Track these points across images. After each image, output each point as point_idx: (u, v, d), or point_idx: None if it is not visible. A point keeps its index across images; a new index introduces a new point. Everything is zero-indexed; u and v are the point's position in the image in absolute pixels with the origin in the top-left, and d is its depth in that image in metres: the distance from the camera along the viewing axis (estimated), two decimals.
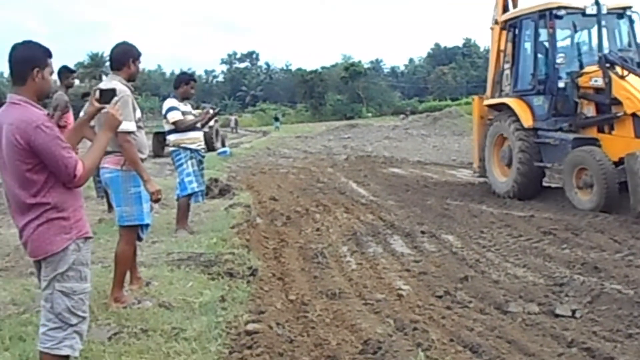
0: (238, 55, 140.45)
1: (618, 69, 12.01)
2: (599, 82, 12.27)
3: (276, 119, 71.15)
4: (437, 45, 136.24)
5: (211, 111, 10.54)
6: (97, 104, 4.49)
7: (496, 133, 14.74)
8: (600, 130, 12.60)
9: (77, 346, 4.13)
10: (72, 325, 4.06)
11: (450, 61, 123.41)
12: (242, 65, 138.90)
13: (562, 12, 13.10)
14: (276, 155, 30.18)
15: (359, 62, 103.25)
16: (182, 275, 7.18)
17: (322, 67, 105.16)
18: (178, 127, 9.63)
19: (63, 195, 4.02)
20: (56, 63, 4.37)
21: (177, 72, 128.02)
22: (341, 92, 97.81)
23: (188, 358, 5.03)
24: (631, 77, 11.87)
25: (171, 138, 9.79)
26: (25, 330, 5.49)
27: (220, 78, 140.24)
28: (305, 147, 35.19)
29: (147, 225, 6.63)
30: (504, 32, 15.08)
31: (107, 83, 6.15)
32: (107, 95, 4.59)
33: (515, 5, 15.43)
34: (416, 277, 8.00)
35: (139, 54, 6.41)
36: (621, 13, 13.56)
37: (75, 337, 4.09)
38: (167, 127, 9.82)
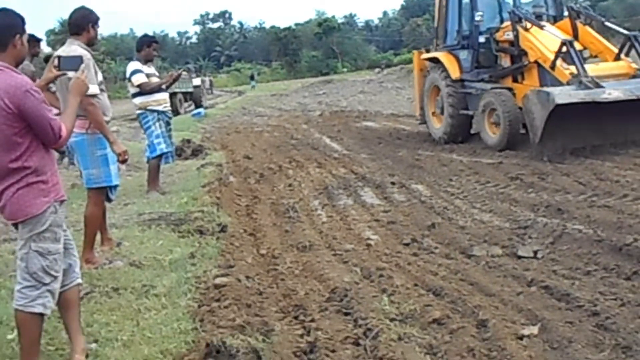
0: (211, 16, 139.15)
1: (525, 23, 13.14)
2: (510, 35, 13.59)
3: (251, 78, 70.83)
4: None
5: (175, 73, 10.56)
6: (55, 71, 4.56)
7: (431, 84, 15.92)
8: (515, 80, 13.81)
9: (50, 304, 4.21)
10: (45, 284, 4.15)
11: (424, 12, 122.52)
12: (215, 25, 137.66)
13: None
14: (251, 114, 30.17)
15: (333, 17, 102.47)
16: (153, 235, 7.29)
17: (296, 24, 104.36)
18: (143, 90, 9.64)
19: (42, 159, 4.09)
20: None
21: (150, 34, 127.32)
22: (316, 48, 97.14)
23: (158, 313, 5.14)
24: (534, 30, 13.00)
25: (137, 101, 9.80)
26: None
27: (194, 39, 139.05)
28: (280, 105, 35.18)
29: (115, 187, 6.71)
30: None
31: (66, 48, 6.17)
32: (69, 63, 4.65)
33: None
34: (385, 227, 8.16)
35: (97, 18, 6.42)
36: None
37: (48, 295, 4.18)
38: (132, 90, 9.82)
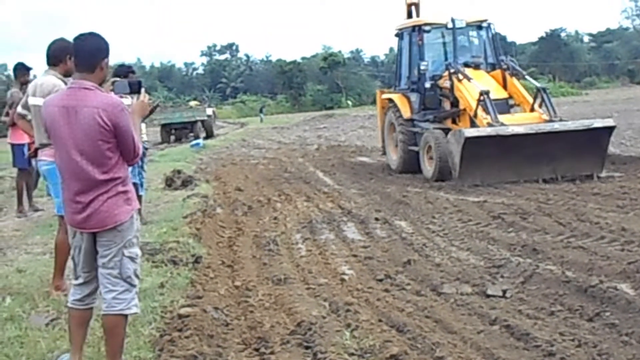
0: (218, 47, 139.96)
1: (458, 74, 14.97)
2: (448, 84, 15.42)
3: (260, 111, 71.39)
4: None
5: (154, 103, 10.67)
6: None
7: (389, 121, 17.68)
8: (454, 122, 15.64)
9: (139, 305, 4.62)
10: (135, 287, 4.49)
11: None
12: (222, 57, 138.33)
13: (428, 28, 16.38)
14: (250, 147, 30.34)
15: (339, 52, 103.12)
16: None
17: (302, 58, 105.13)
18: None
19: (126, 170, 4.47)
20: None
21: (156, 65, 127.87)
22: (321, 82, 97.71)
23: None
24: (465, 82, 14.81)
25: None
26: None
27: (200, 70, 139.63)
28: (280, 138, 35.33)
29: None
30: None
31: (42, 78, 6.31)
32: (125, 87, 5.02)
33: (417, 14, 18.16)
34: (361, 262, 8.22)
35: (72, 52, 6.53)
36: (479, 25, 16.66)
37: (136, 297, 4.52)
38: None
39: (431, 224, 10.22)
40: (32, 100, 6.32)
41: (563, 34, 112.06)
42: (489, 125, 13.52)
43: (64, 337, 5.27)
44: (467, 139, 12.86)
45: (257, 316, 6.06)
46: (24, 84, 10.73)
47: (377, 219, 10.71)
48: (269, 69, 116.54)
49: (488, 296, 6.57)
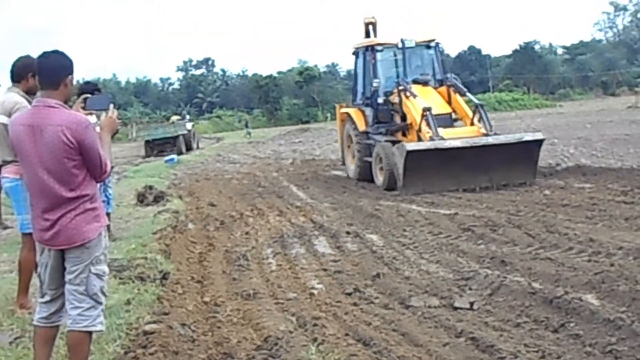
0: (194, 62, 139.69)
1: (406, 92, 16.11)
2: (397, 100, 16.56)
3: (246, 125, 71.50)
4: None
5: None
6: (82, 111, 4.88)
7: (347, 133, 19.03)
8: (403, 134, 16.78)
9: (104, 322, 4.62)
10: (101, 304, 4.49)
11: None
12: (198, 72, 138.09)
13: (380, 47, 17.71)
14: (224, 162, 30.32)
15: (315, 66, 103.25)
16: None
17: (278, 72, 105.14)
18: None
19: (94, 188, 4.46)
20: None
21: (132, 80, 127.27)
22: (297, 96, 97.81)
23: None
24: (411, 98, 15.95)
25: None
26: None
27: (177, 85, 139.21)
28: (256, 153, 35.32)
29: None
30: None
31: (5, 94, 6.28)
32: (97, 103, 5.10)
33: (375, 34, 19.12)
34: (331, 276, 8.21)
35: (36, 70, 6.53)
36: (428, 45, 18.02)
37: (101, 314, 4.51)
38: None
39: (402, 237, 10.24)
40: None
41: (537, 47, 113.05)
42: (431, 139, 14.74)
43: (27, 355, 5.23)
44: (409, 152, 14.31)
45: (224, 332, 6.05)
46: None
47: (348, 233, 10.71)
48: (245, 84, 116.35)
49: (455, 308, 6.59)
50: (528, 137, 15.75)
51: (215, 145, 49.04)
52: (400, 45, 17.50)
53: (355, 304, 6.94)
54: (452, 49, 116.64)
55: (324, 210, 13.42)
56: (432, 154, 14.28)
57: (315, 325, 6.06)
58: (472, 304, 6.65)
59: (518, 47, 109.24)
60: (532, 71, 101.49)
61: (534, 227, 9.92)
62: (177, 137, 39.73)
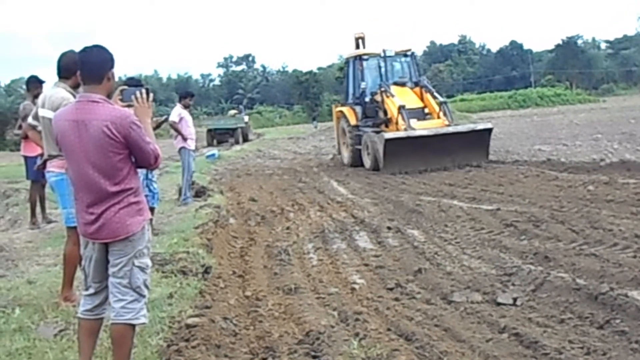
0: (234, 59, 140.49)
1: (387, 93, 20.42)
2: (380, 99, 20.85)
3: (314, 119, 73.16)
4: (432, 42, 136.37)
5: (160, 119, 10.80)
6: (120, 103, 4.70)
7: (342, 127, 23.18)
8: (386, 126, 20.53)
9: (147, 315, 4.64)
10: (144, 297, 4.52)
11: (446, 58, 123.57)
12: (239, 68, 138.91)
13: (366, 57, 22.31)
14: (265, 157, 30.45)
15: None
16: None
17: (318, 68, 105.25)
18: None
19: (137, 181, 4.50)
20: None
21: (173, 76, 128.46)
22: (337, 92, 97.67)
23: None
24: (391, 97, 20.22)
25: None
26: None
27: (217, 81, 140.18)
28: (296, 148, 35.43)
29: None
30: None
31: (52, 89, 6.34)
32: (131, 93, 4.78)
33: (364, 46, 23.71)
34: (372, 271, 8.20)
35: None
36: (405, 54, 22.77)
37: (144, 307, 4.54)
38: None
39: (443, 232, 10.18)
40: (41, 112, 6.35)
41: (580, 41, 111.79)
42: (405, 129, 18.99)
43: (72, 347, 5.28)
44: (387, 140, 18.60)
45: (266, 326, 6.06)
46: (36, 97, 10.78)
47: (389, 228, 10.67)
48: (285, 80, 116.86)
49: (498, 304, 6.53)
50: (480, 126, 20.83)
51: (256, 140, 49.25)
52: (382, 55, 22.23)
53: (397, 299, 6.91)
54: (494, 44, 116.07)
55: (364, 205, 13.39)
56: (406, 141, 18.52)
57: (357, 320, 6.04)
58: (515, 299, 6.58)
59: (560, 42, 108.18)
60: (574, 66, 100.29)
61: (577, 222, 9.79)
62: (236, 128, 44.67)
